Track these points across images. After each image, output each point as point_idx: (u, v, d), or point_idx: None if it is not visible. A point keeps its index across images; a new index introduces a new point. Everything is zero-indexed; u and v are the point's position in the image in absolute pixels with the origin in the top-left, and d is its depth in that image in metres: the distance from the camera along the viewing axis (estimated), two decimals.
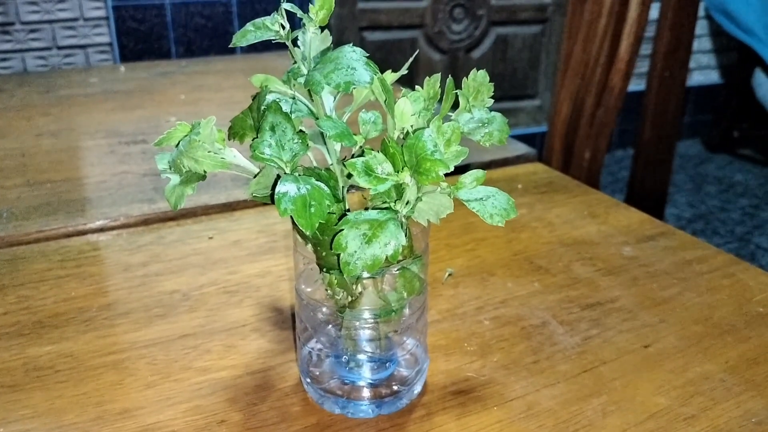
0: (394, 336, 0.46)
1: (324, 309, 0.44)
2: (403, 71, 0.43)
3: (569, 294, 0.59)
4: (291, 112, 0.40)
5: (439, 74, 0.43)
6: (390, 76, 0.43)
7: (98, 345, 0.52)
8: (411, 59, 0.45)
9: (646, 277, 0.62)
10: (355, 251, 0.36)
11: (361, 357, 0.45)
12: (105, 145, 0.91)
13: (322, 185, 0.37)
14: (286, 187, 0.36)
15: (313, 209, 0.36)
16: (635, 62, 1.30)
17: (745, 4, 2.53)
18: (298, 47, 0.40)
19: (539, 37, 2.58)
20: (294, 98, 0.41)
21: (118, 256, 0.65)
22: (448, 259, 0.64)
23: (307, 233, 0.36)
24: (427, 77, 0.43)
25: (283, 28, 0.40)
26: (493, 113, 0.44)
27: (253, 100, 0.42)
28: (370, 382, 0.45)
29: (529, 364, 0.50)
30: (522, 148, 0.91)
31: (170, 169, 0.39)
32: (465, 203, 0.38)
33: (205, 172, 0.39)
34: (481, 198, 0.38)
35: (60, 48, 2.02)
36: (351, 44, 0.39)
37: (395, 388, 0.45)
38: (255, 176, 0.39)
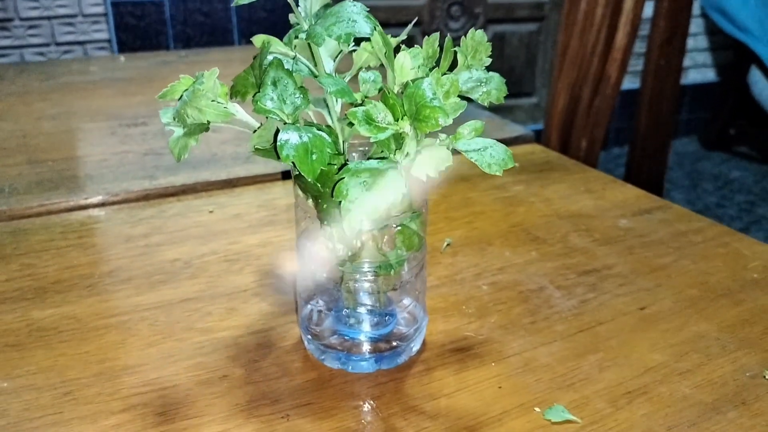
0: (393, 293, 0.46)
1: (325, 264, 0.45)
2: (403, 36, 0.44)
3: (566, 262, 0.59)
4: (292, 72, 0.41)
5: (438, 33, 0.44)
6: (392, 40, 0.44)
7: (101, 308, 0.52)
8: (410, 25, 0.45)
9: (642, 246, 0.62)
10: (356, 198, 0.37)
11: (361, 311, 0.45)
12: (105, 128, 0.92)
13: (324, 134, 0.38)
14: (288, 135, 0.37)
15: (314, 156, 0.37)
16: (631, 52, 1.31)
17: (740, 2, 2.55)
18: (299, 5, 0.41)
19: (536, 35, 2.60)
20: (295, 58, 0.42)
21: (120, 229, 0.65)
22: (447, 231, 0.65)
23: (309, 179, 0.37)
24: (427, 36, 0.44)
25: None
26: (491, 73, 0.45)
27: (254, 59, 0.43)
28: (370, 336, 0.46)
29: (527, 324, 0.50)
30: (519, 129, 0.92)
31: (174, 120, 0.40)
32: (463, 153, 0.39)
33: (208, 122, 0.39)
34: (480, 148, 0.39)
35: (58, 44, 2.02)
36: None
37: (394, 344, 0.46)
38: (256, 130, 0.40)
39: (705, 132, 2.94)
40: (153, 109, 0.99)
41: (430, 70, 0.42)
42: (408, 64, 0.40)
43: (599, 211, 0.70)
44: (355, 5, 0.39)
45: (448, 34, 0.44)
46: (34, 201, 0.69)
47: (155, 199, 0.72)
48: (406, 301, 0.47)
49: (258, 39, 0.43)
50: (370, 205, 0.37)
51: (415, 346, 0.47)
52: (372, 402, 0.42)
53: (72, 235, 0.64)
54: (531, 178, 0.78)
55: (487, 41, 0.45)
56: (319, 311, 0.47)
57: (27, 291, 0.55)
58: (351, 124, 0.38)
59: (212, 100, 0.38)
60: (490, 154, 0.39)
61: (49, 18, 1.99)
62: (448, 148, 0.39)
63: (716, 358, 0.47)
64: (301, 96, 0.40)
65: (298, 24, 0.41)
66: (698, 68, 2.92)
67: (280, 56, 0.42)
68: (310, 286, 0.46)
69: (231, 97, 0.45)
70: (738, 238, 0.64)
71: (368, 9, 0.39)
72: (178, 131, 0.40)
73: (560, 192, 0.74)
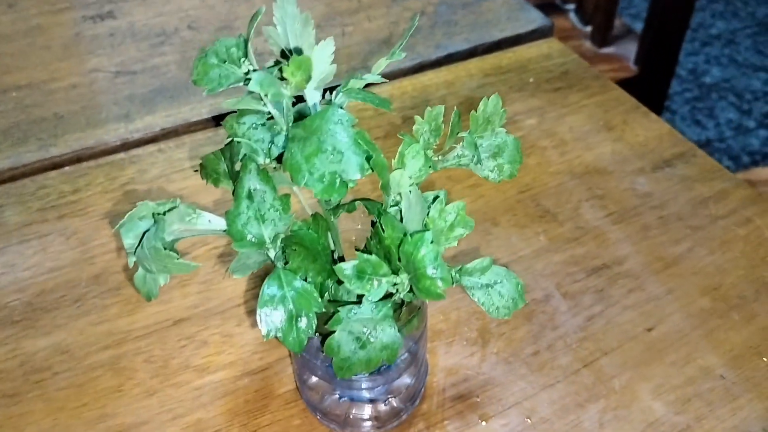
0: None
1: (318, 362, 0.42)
2: (397, 57, 0.36)
3: (575, 253, 0.56)
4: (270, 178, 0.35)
5: (442, 107, 0.37)
6: (382, 63, 0.36)
7: (93, 336, 0.51)
8: (410, 30, 0.37)
9: (658, 226, 0.58)
10: (349, 356, 0.34)
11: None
12: (70, 23, 0.81)
13: (309, 288, 0.33)
14: (269, 312, 0.32)
15: (301, 323, 0.33)
16: None
17: None
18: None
19: None
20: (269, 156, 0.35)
21: (101, 203, 0.61)
22: (450, 196, 0.61)
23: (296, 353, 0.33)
24: (429, 108, 0.37)
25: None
26: (505, 136, 0.38)
27: (225, 147, 0.37)
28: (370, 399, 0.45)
29: (529, 358, 0.49)
30: (536, 18, 0.81)
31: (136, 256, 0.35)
32: (467, 291, 0.35)
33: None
34: (487, 284, 0.34)
35: None
36: (335, 106, 0.32)
37: (395, 405, 0.45)
38: (233, 263, 0.35)
39: None
40: None
41: (433, 151, 0.36)
42: (405, 181, 0.34)
43: (617, 162, 0.64)
44: (341, 122, 0.32)
45: (457, 110, 0.36)
46: (4, 162, 0.64)
47: (133, 150, 0.66)
48: (407, 380, 0.45)
49: (228, 124, 0.36)
50: (365, 360, 0.34)
51: (416, 402, 0.46)
52: None
53: (51, 214, 0.60)
54: (545, 102, 0.71)
55: (502, 109, 0.37)
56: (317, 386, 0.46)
57: (14, 310, 0.53)
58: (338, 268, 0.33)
59: (177, 259, 0.33)
60: (498, 294, 0.35)
61: None
62: (453, 283, 0.35)
63: (718, 407, 0.46)
64: (281, 208, 0.35)
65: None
66: None
67: (252, 156, 0.35)
68: (307, 373, 0.45)
69: (202, 178, 0.39)
70: (761, 210, 0.59)
71: (354, 123, 0.32)
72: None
73: (576, 129, 0.68)
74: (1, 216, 0.60)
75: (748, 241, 0.57)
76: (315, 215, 0.38)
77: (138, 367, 0.49)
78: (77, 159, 0.65)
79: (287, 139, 0.33)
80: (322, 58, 0.34)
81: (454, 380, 0.48)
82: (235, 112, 0.35)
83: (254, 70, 0.32)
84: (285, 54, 0.34)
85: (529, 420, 0.46)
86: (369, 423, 0.45)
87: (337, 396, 0.45)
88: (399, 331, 0.41)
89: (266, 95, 0.31)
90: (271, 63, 0.35)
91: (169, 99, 0.70)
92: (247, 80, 0.33)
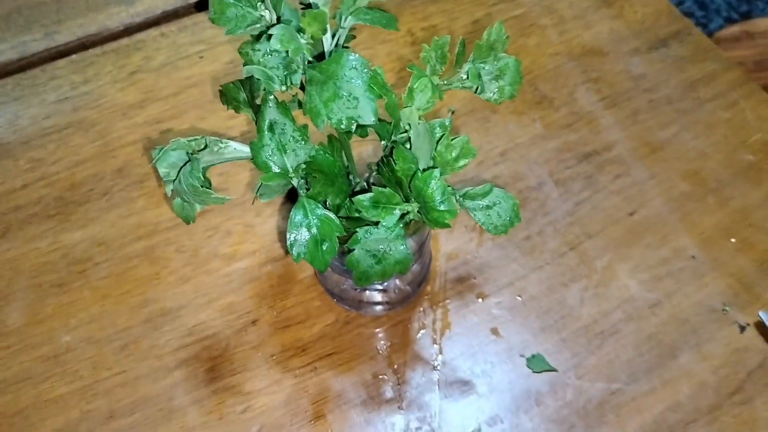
0: None
1: None
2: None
3: (568, 139, 0.60)
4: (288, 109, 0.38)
5: (448, 37, 0.39)
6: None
7: (125, 228, 0.56)
8: None
9: (648, 110, 0.61)
10: (366, 270, 0.39)
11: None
12: None
13: (330, 215, 0.37)
14: (297, 234, 0.36)
15: (325, 246, 0.37)
16: None
17: None
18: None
19: None
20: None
21: (112, 93, 0.63)
22: None
23: (322, 271, 0.38)
24: (435, 37, 0.39)
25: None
26: (506, 59, 0.41)
27: (245, 79, 0.39)
28: (380, 289, 0.51)
29: (521, 242, 0.55)
30: None
31: (173, 184, 0.38)
32: (469, 211, 0.39)
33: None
34: (487, 206, 0.39)
35: None
36: (349, 51, 0.34)
37: (403, 290, 0.51)
38: (258, 187, 0.39)
39: None
40: None
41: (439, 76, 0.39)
42: (415, 116, 0.37)
43: (613, 42, 0.66)
44: (356, 68, 0.34)
45: (462, 39, 0.38)
46: (11, 52, 0.65)
47: (137, 35, 0.67)
48: (414, 267, 0.50)
49: (243, 51, 0.38)
50: (380, 271, 0.39)
51: (421, 284, 0.52)
52: (385, 349, 0.50)
53: (66, 106, 0.62)
54: None
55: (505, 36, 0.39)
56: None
57: (48, 204, 0.57)
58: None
59: (213, 194, 0.36)
60: (497, 214, 0.39)
61: None
62: (456, 203, 0.39)
63: (686, 284, 0.53)
64: (302, 140, 0.38)
65: None
66: None
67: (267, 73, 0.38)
68: None
69: (222, 104, 0.42)
70: (748, 91, 0.62)
71: (370, 69, 0.34)
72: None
73: (576, 5, 0.68)
74: (19, 109, 0.62)
75: (731, 125, 0.61)
76: (330, 138, 0.41)
77: (171, 256, 0.55)
78: (83, 46, 0.66)
79: (305, 76, 0.35)
80: None
81: (455, 264, 0.54)
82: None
83: (272, 24, 0.34)
84: None
85: (519, 298, 0.52)
86: (380, 306, 0.51)
87: (352, 283, 0.51)
88: (409, 237, 0.46)
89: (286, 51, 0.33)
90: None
91: None
92: (264, 24, 0.35)
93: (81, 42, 0.66)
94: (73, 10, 0.67)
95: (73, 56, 0.65)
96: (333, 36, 0.35)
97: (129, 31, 0.67)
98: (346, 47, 0.37)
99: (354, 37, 0.38)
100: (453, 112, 0.60)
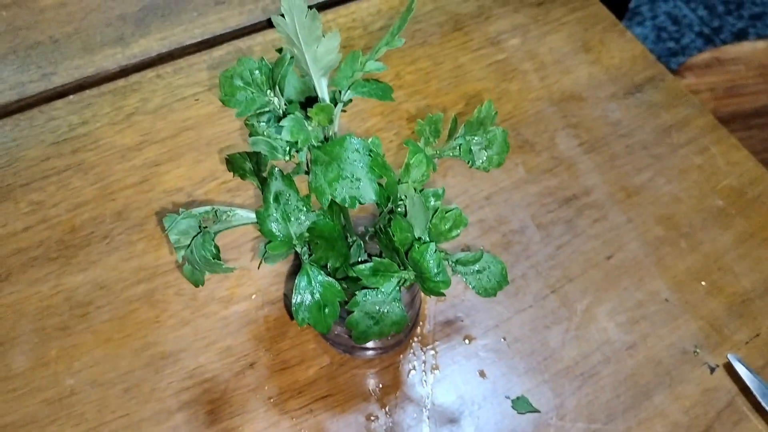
0: None
1: None
2: (396, 42, 0.40)
3: (549, 184, 0.63)
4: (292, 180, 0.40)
5: (441, 115, 0.41)
6: (382, 49, 0.41)
7: (125, 271, 0.58)
8: (407, 14, 0.41)
9: (624, 155, 0.65)
10: (365, 330, 0.41)
11: None
12: None
13: (332, 282, 0.40)
14: (301, 297, 0.39)
15: (327, 310, 0.40)
16: None
17: None
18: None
19: None
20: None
21: (110, 135, 0.65)
22: None
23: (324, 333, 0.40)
24: (429, 114, 0.42)
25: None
26: (494, 130, 0.44)
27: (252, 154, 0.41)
28: None
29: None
30: None
31: (183, 254, 0.41)
32: (461, 274, 0.42)
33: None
34: (477, 270, 0.41)
35: None
36: (351, 135, 0.37)
37: (394, 337, 0.54)
38: (264, 253, 0.41)
39: None
40: None
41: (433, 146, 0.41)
42: (411, 191, 0.40)
43: (592, 88, 0.69)
44: (358, 150, 0.37)
45: (455, 116, 0.41)
46: (9, 94, 0.66)
47: (132, 76, 0.68)
48: None
49: (249, 122, 0.40)
50: (378, 332, 0.42)
51: (412, 329, 0.55)
52: (378, 391, 0.53)
53: (66, 148, 0.64)
54: (528, 20, 0.73)
55: (494, 113, 0.42)
56: None
57: (49, 247, 0.59)
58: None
59: (224, 265, 0.39)
60: (486, 278, 0.42)
61: None
62: (449, 268, 0.42)
63: (660, 327, 0.56)
64: (305, 209, 0.41)
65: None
66: None
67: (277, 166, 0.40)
68: None
69: (228, 171, 0.44)
70: (719, 137, 0.66)
71: (372, 151, 0.37)
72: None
73: (556, 51, 0.71)
74: (18, 151, 0.64)
75: (702, 170, 0.64)
76: (331, 204, 0.43)
77: (170, 299, 0.57)
78: (80, 87, 0.68)
79: (309, 156, 0.38)
80: (328, 50, 0.38)
81: (443, 307, 0.57)
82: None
83: (282, 116, 0.36)
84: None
85: (504, 340, 0.55)
86: (373, 351, 0.54)
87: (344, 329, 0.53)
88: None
89: (296, 142, 0.36)
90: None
91: (161, 18, 0.71)
92: (272, 109, 0.38)
93: (78, 83, 0.67)
94: (68, 51, 0.69)
95: (71, 97, 0.67)
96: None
97: (125, 72, 0.69)
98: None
99: (350, 100, 0.41)
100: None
